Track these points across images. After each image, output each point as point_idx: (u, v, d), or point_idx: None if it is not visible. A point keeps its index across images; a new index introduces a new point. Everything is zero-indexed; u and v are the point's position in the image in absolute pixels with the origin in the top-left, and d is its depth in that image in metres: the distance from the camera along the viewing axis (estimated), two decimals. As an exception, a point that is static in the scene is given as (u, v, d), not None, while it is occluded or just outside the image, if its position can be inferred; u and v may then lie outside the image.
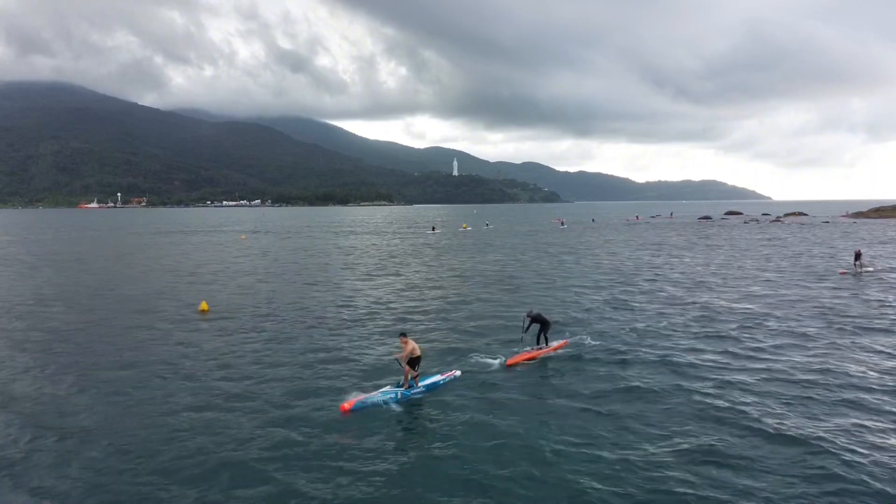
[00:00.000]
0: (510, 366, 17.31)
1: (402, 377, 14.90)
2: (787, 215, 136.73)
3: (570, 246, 62.81)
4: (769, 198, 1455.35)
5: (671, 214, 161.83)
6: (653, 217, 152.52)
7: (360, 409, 13.76)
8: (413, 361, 14.79)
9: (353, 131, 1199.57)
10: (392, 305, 27.09)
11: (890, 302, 26.00)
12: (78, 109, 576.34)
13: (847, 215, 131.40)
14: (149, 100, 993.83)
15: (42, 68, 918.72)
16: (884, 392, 14.53)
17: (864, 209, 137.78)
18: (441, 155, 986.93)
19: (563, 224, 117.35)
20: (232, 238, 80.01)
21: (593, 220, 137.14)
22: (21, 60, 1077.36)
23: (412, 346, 14.67)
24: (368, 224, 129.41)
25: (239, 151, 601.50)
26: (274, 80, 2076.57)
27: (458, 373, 16.43)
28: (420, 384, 15.11)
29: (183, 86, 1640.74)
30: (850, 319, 22.52)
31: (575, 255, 51.53)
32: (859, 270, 34.48)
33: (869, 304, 25.54)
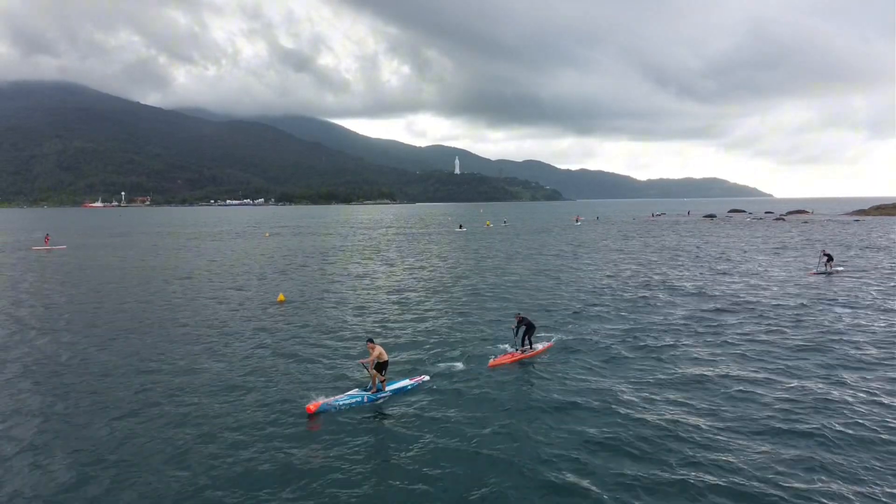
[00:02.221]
0: (493, 367, 17.38)
1: (370, 381, 15.17)
2: (789, 213, 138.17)
3: (590, 243, 64.79)
4: (770, 195, 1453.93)
5: (688, 213, 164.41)
6: (656, 215, 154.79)
7: (325, 412, 13.98)
8: (380, 366, 14.98)
9: (355, 130, 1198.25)
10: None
11: (845, 303, 26.52)
12: (81, 109, 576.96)
13: (849, 214, 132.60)
14: (152, 99, 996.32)
15: (47, 68, 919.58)
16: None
17: (867, 206, 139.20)
18: (443, 153, 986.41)
19: (577, 221, 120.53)
20: (263, 236, 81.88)
21: (597, 218, 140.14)
22: (26, 60, 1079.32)
23: (379, 351, 14.88)
24: (384, 222, 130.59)
25: (242, 150, 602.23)
26: (277, 80, 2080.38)
27: (426, 378, 16.47)
28: (387, 388, 15.29)
29: (186, 85, 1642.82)
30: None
31: (590, 253, 53.31)
32: (828, 271, 35.52)
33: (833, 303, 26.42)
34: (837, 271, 35.72)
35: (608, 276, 36.13)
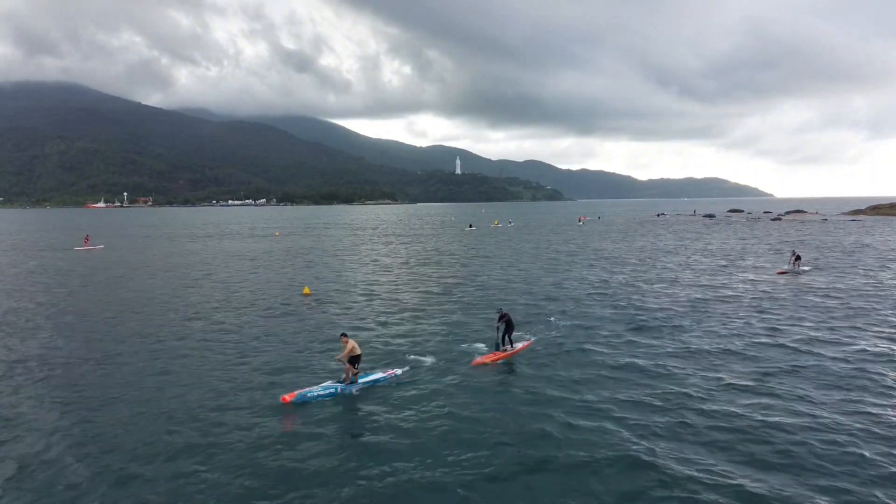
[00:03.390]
0: (476, 366, 17.67)
1: (344, 374, 15.79)
2: (787, 213, 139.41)
3: (590, 243, 66.14)
4: (771, 195, 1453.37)
5: (694, 212, 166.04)
6: (658, 215, 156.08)
7: (300, 402, 14.59)
8: (353, 360, 15.53)
9: (356, 130, 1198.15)
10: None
11: (810, 300, 28.07)
12: (83, 109, 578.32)
13: (846, 214, 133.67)
14: (154, 100, 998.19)
15: (49, 69, 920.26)
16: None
17: (865, 206, 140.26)
18: (443, 153, 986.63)
19: (580, 221, 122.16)
20: (274, 235, 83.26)
21: (599, 218, 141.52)
22: (29, 61, 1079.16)
23: (352, 345, 15.43)
24: (391, 222, 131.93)
25: (243, 151, 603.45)
26: (279, 80, 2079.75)
27: (399, 371, 17.01)
28: (361, 381, 15.84)
29: (188, 86, 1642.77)
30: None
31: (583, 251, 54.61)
32: (797, 270, 37.09)
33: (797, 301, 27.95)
34: (804, 270, 37.33)
35: (601, 279, 37.07)
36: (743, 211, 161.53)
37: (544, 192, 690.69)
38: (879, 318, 23.60)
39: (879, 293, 29.30)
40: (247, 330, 22.77)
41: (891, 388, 15.47)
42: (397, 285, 34.54)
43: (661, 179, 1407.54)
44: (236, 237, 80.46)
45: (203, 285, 34.89)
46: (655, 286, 32.96)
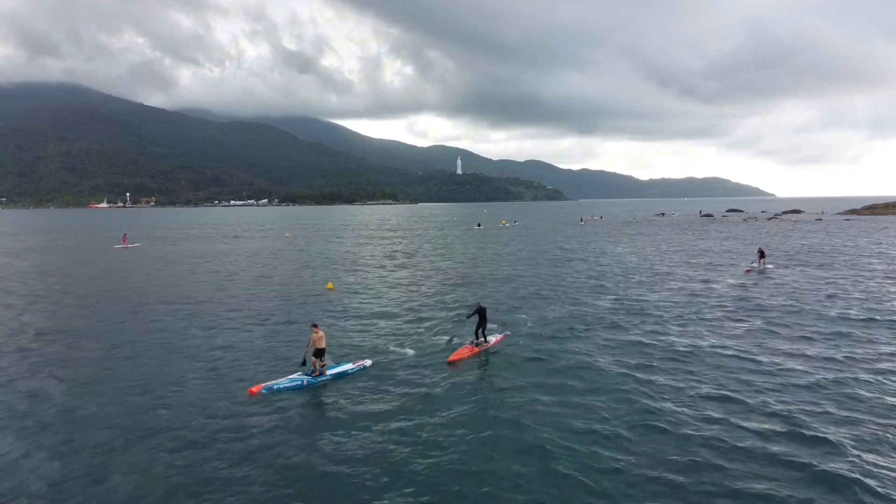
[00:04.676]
0: (452, 362, 17.59)
1: (313, 365, 15.97)
2: (784, 213, 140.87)
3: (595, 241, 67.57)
4: (773, 195, 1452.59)
5: (700, 212, 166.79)
6: (656, 215, 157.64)
7: (268, 394, 14.81)
8: (318, 352, 15.65)
9: (357, 130, 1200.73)
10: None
11: (767, 294, 29.28)
12: (86, 110, 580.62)
13: (841, 213, 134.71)
14: (156, 100, 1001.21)
15: (52, 70, 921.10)
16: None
17: (863, 207, 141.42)
18: (444, 153, 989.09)
19: (582, 220, 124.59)
20: (284, 236, 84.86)
21: (601, 217, 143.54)
22: (31, 62, 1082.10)
23: (318, 336, 15.64)
24: (397, 222, 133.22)
25: (244, 151, 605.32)
26: (280, 81, 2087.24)
27: (368, 362, 17.17)
28: (329, 372, 16.04)
29: (190, 86, 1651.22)
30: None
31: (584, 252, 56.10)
32: (761, 268, 38.41)
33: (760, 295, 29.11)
34: (768, 268, 38.62)
35: (593, 278, 37.68)
36: (742, 211, 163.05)
37: (545, 192, 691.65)
38: (810, 317, 23.84)
39: (827, 293, 29.45)
40: (277, 317, 24.69)
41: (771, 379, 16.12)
42: (410, 281, 36.02)
43: (663, 179, 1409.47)
44: (255, 237, 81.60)
45: (242, 277, 38.51)
46: (632, 280, 34.98)
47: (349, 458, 11.51)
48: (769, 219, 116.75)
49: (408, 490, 10.32)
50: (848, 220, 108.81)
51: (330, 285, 32.96)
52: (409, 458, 11.45)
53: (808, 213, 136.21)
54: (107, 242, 70.60)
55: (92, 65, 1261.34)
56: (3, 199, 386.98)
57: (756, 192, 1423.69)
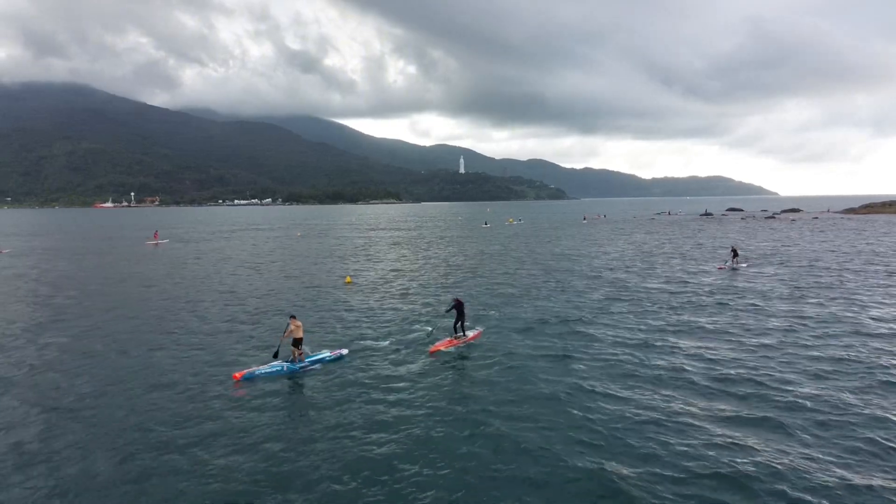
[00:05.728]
0: (433, 353, 18.24)
1: (292, 354, 16.79)
2: (783, 212, 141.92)
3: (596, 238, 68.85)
4: (776, 194, 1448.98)
5: (706, 211, 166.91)
6: (656, 214, 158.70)
7: (249, 379, 15.68)
8: (295, 342, 16.45)
9: (360, 130, 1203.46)
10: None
11: (738, 290, 30.36)
12: (90, 110, 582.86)
13: (839, 212, 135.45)
14: (160, 100, 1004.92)
15: (56, 70, 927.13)
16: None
17: (862, 205, 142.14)
18: (447, 153, 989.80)
19: (585, 220, 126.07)
20: (295, 235, 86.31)
21: (605, 216, 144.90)
22: (36, 62, 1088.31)
23: (294, 326, 16.42)
24: (403, 221, 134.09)
25: (248, 150, 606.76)
26: (284, 80, 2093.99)
27: (344, 351, 17.91)
28: (307, 360, 16.89)
29: (194, 86, 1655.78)
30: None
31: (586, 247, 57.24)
32: (733, 266, 39.34)
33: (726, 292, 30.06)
34: (741, 266, 39.55)
35: (589, 276, 38.76)
36: (741, 210, 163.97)
37: (548, 191, 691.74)
38: (766, 313, 24.55)
39: (789, 290, 30.31)
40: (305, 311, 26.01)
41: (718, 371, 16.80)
42: (418, 274, 37.88)
43: (666, 178, 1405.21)
44: (270, 237, 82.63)
45: (263, 270, 41.35)
46: (617, 277, 36.36)
47: (325, 447, 11.83)
48: (767, 218, 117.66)
49: (382, 478, 10.58)
50: (843, 218, 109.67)
51: (348, 279, 34.46)
52: (384, 446, 11.79)
53: (806, 213, 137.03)
54: (138, 240, 74.77)
55: (96, 65, 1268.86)
56: (9, 198, 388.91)
57: (759, 190, 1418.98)
